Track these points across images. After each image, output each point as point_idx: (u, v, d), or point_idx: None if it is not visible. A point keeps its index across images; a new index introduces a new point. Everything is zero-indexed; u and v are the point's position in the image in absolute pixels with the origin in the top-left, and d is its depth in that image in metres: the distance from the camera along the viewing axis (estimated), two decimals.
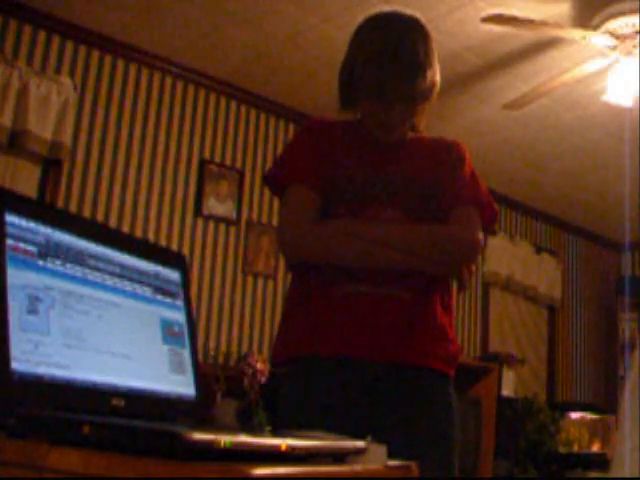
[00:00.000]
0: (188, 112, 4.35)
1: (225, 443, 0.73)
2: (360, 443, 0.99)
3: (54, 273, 0.96)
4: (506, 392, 5.13)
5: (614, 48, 3.49)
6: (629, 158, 4.80)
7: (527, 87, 4.06)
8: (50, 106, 3.70)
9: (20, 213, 0.94)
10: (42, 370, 0.89)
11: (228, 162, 4.49)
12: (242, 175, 4.53)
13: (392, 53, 1.54)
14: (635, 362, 1.00)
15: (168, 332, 1.14)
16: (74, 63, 3.94)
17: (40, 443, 0.77)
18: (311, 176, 1.61)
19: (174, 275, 1.20)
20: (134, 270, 1.11)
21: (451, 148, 1.69)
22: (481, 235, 1.62)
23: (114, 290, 1.06)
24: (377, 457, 1.00)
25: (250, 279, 4.46)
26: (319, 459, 0.92)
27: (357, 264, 1.56)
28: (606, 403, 6.24)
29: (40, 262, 0.95)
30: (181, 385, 1.13)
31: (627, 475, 0.93)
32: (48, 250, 0.97)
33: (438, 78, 1.63)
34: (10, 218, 0.93)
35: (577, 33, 3.47)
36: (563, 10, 3.52)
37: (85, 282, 1.01)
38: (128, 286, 1.08)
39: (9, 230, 0.92)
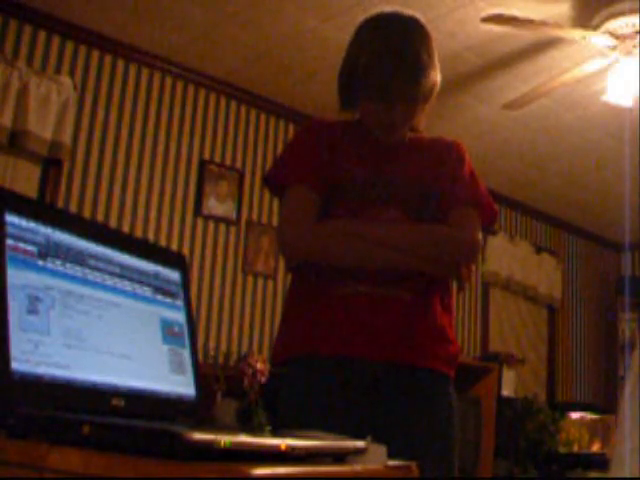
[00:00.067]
0: (188, 112, 4.35)
1: (225, 443, 0.74)
2: (360, 443, 0.99)
3: (54, 273, 0.96)
4: (506, 392, 5.13)
5: (614, 48, 3.49)
6: (629, 158, 4.80)
7: (527, 87, 4.06)
8: (50, 106, 3.70)
9: (20, 213, 0.94)
10: (42, 370, 0.89)
11: (228, 162, 4.49)
12: (242, 175, 4.53)
13: (396, 53, 1.54)
14: (635, 362, 1.00)
15: (168, 332, 1.14)
16: (74, 63, 3.94)
17: (40, 443, 0.77)
18: (311, 177, 1.61)
19: (174, 275, 1.20)
20: (134, 270, 1.11)
21: (451, 148, 1.69)
22: (480, 235, 1.62)
23: (114, 290, 1.06)
24: (377, 457, 1.00)
25: (250, 279, 4.46)
26: (319, 459, 0.92)
27: (357, 264, 1.56)
28: (606, 403, 6.24)
29: (40, 262, 0.95)
30: (181, 385, 1.13)
31: (627, 475, 0.93)
32: (48, 250, 0.97)
33: (439, 78, 1.63)
34: (10, 218, 0.93)
35: (577, 33, 3.47)
36: (563, 10, 3.52)
37: (85, 282, 1.01)
38: (128, 286, 1.08)
39: (9, 230, 0.92)
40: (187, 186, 4.29)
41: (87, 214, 3.87)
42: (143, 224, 4.08)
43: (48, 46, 3.85)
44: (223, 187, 4.42)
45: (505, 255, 5.83)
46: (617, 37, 3.45)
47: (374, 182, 1.61)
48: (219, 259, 4.34)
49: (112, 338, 1.02)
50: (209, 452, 0.72)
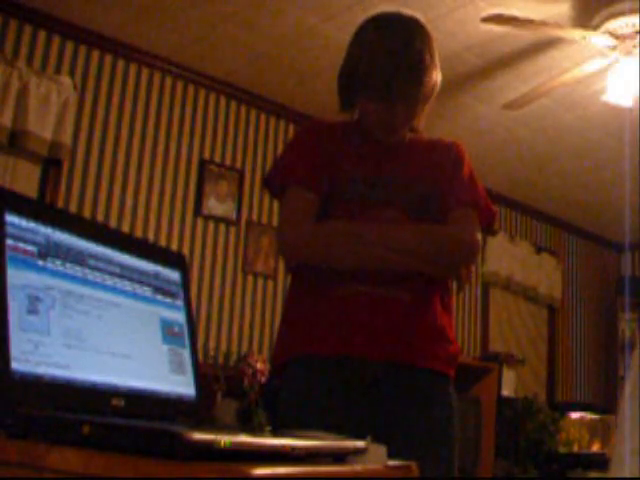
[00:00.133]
0: (188, 112, 4.35)
1: (225, 443, 0.74)
2: (360, 443, 0.99)
3: (54, 273, 0.96)
4: (506, 392, 5.13)
5: (614, 48, 3.49)
6: (629, 158, 4.80)
7: (527, 87, 4.06)
8: (50, 106, 3.70)
9: (20, 213, 0.94)
10: (42, 370, 0.89)
11: (228, 162, 4.49)
12: (242, 175, 4.53)
13: (397, 53, 1.54)
14: (635, 362, 1.00)
15: (168, 332, 1.14)
16: (74, 63, 3.94)
17: (40, 443, 0.77)
18: (310, 178, 1.61)
19: (174, 275, 1.20)
20: (134, 270, 1.11)
21: (450, 149, 1.69)
22: (480, 236, 1.62)
23: (114, 290, 1.06)
24: (377, 457, 1.00)
25: (250, 279, 4.46)
26: (319, 459, 0.92)
27: (356, 265, 1.56)
28: (606, 403, 6.24)
29: (40, 262, 0.95)
30: (181, 385, 1.13)
31: (627, 475, 0.93)
32: (48, 250, 0.97)
33: (439, 79, 1.63)
34: (10, 218, 0.93)
35: (577, 33, 3.47)
36: (563, 10, 3.52)
37: (85, 282, 1.01)
38: (128, 286, 1.08)
39: (9, 230, 0.92)
40: (187, 186, 4.29)
41: (87, 214, 3.87)
42: (143, 224, 4.08)
43: (48, 46, 3.85)
44: (223, 187, 4.42)
45: (505, 255, 5.83)
46: (617, 37, 3.45)
47: (374, 182, 1.61)
48: (219, 259, 4.34)
49: (112, 338, 1.02)
50: (209, 452, 0.72)
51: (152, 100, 4.22)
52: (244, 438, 0.80)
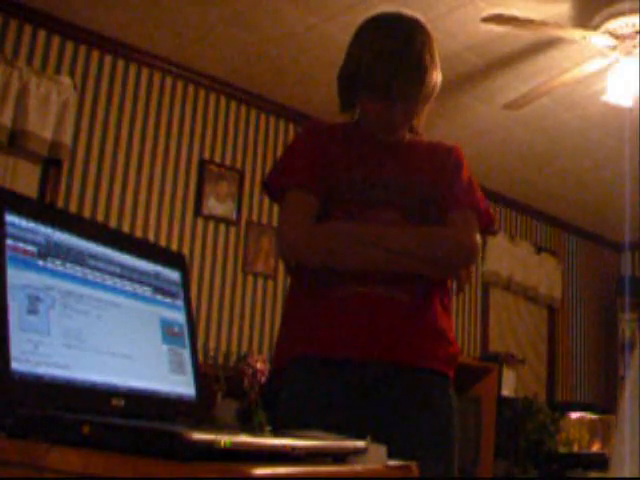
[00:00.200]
0: (188, 112, 4.36)
1: (225, 443, 0.74)
2: (360, 443, 0.99)
3: (54, 273, 0.96)
4: (506, 392, 5.13)
5: (614, 48, 3.49)
6: (629, 158, 4.80)
7: (527, 87, 4.06)
8: (50, 106, 3.70)
9: (20, 213, 0.94)
10: (42, 370, 0.89)
11: (228, 162, 4.49)
12: (242, 175, 4.53)
13: (397, 53, 1.54)
14: (635, 362, 1.00)
15: (168, 332, 1.14)
16: (74, 63, 3.94)
17: (40, 443, 0.77)
18: (309, 180, 1.61)
19: (174, 275, 1.20)
20: (134, 270, 1.11)
21: (450, 153, 1.70)
22: (479, 238, 1.62)
23: (114, 290, 1.06)
24: (377, 457, 1.00)
25: (250, 279, 4.46)
26: (319, 459, 0.92)
27: (356, 266, 1.56)
28: (606, 403, 6.23)
29: (40, 262, 0.95)
30: (181, 385, 1.13)
31: (627, 475, 0.93)
32: (48, 250, 0.97)
33: (440, 79, 1.63)
34: (10, 218, 0.93)
35: (577, 33, 3.47)
36: (563, 10, 3.52)
37: (85, 282, 1.01)
38: (128, 286, 1.08)
39: (9, 230, 0.92)
40: (187, 186, 4.29)
41: (87, 214, 3.87)
42: (143, 224, 4.08)
43: (48, 46, 3.85)
44: (223, 187, 4.42)
45: (505, 255, 5.83)
46: (617, 37, 3.45)
47: (373, 183, 1.61)
48: (219, 259, 4.34)
49: (112, 338, 1.02)
50: (209, 452, 0.72)
51: (152, 100, 4.22)
52: (244, 438, 0.80)
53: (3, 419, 0.82)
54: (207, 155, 4.40)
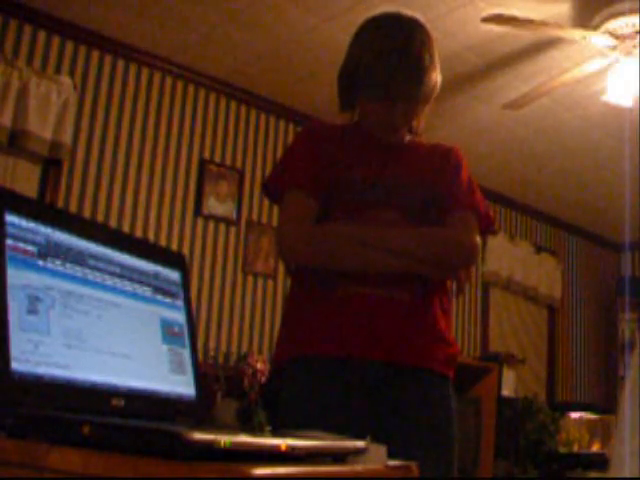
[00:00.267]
0: (188, 112, 4.36)
1: (225, 443, 0.73)
2: (360, 443, 0.99)
3: (54, 273, 0.96)
4: (506, 392, 5.13)
5: (614, 48, 3.49)
6: (629, 158, 4.80)
7: (527, 87, 4.06)
8: (50, 106, 3.70)
9: (20, 213, 0.94)
10: (42, 370, 0.89)
11: (228, 162, 4.49)
12: (242, 175, 4.53)
13: (397, 53, 1.54)
14: (635, 362, 1.00)
15: (168, 332, 1.14)
16: (74, 63, 3.94)
17: (40, 443, 0.77)
18: (309, 181, 1.61)
19: (174, 275, 1.20)
20: (134, 270, 1.11)
21: (450, 154, 1.70)
22: (479, 238, 1.62)
23: (114, 290, 1.06)
24: (377, 457, 1.00)
25: (250, 279, 4.46)
26: (319, 459, 0.92)
27: (356, 267, 1.56)
28: (606, 403, 6.24)
29: (40, 262, 0.95)
30: (181, 385, 1.13)
31: (627, 475, 0.93)
32: (48, 250, 0.97)
33: (439, 79, 1.63)
34: (10, 218, 0.93)
35: (577, 33, 3.47)
36: (563, 10, 3.52)
37: (85, 282, 1.01)
38: (128, 286, 1.08)
39: (9, 230, 0.92)
40: (187, 186, 4.29)
41: (87, 214, 3.87)
42: (143, 224, 4.08)
43: (48, 46, 3.85)
44: (223, 187, 4.42)
45: (505, 255, 5.83)
46: (617, 37, 3.45)
47: (373, 184, 1.61)
48: (219, 259, 4.34)
49: (112, 338, 1.02)
50: (209, 452, 0.72)
51: (152, 100, 4.22)
52: (244, 438, 0.80)
53: (3, 419, 0.82)
54: (207, 155, 4.40)
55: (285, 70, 4.27)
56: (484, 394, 4.50)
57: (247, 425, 1.04)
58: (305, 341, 1.59)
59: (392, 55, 1.54)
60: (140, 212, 4.08)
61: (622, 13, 3.38)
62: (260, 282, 4.50)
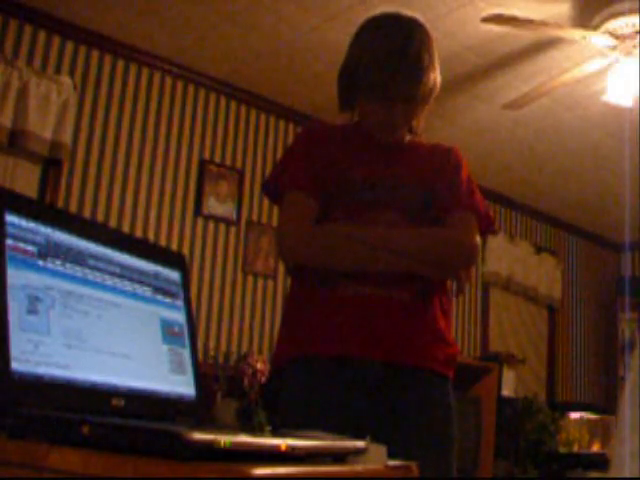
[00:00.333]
0: (188, 112, 4.36)
1: (225, 443, 0.74)
2: (360, 443, 0.99)
3: (54, 273, 0.96)
4: (506, 392, 5.13)
5: (614, 48, 3.49)
6: (629, 158, 4.80)
7: (527, 87, 4.06)
8: (50, 106, 3.70)
9: (20, 213, 0.94)
10: (42, 370, 0.89)
11: (228, 162, 4.49)
12: (242, 175, 4.53)
13: (396, 53, 1.54)
14: (635, 362, 1.00)
15: (168, 332, 1.14)
16: (74, 63, 3.94)
17: (40, 443, 0.77)
18: (309, 181, 1.61)
19: (174, 275, 1.20)
20: (134, 270, 1.11)
21: (449, 154, 1.70)
22: (478, 239, 1.62)
23: (114, 290, 1.06)
24: (377, 457, 1.00)
25: (250, 279, 4.46)
26: (319, 459, 0.92)
27: (356, 268, 1.56)
28: (606, 403, 6.23)
29: (40, 262, 0.95)
30: (181, 385, 1.13)
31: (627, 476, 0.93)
32: (48, 250, 0.97)
33: (439, 80, 1.63)
34: (10, 218, 0.93)
35: (577, 33, 3.47)
36: (563, 10, 3.52)
37: (85, 282, 1.01)
38: (128, 286, 1.08)
39: (9, 230, 0.92)
40: (187, 186, 4.29)
41: (87, 214, 3.87)
42: (143, 224, 4.08)
43: (48, 46, 3.85)
44: (223, 187, 4.42)
45: (505, 255, 5.83)
46: (617, 37, 3.45)
47: (373, 184, 1.61)
48: (219, 259, 4.34)
49: (112, 338, 1.02)
50: (209, 452, 0.72)
51: (152, 100, 4.22)
52: (244, 438, 0.80)
53: (3, 419, 0.82)
54: (207, 155, 4.40)
55: (285, 70, 4.27)
56: (484, 394, 4.50)
57: (247, 425, 1.03)
58: (305, 341, 1.59)
59: (391, 55, 1.54)
60: (140, 212, 4.08)
61: (622, 13, 3.38)
62: (260, 282, 4.50)
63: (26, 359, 0.88)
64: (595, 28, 3.48)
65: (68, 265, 0.99)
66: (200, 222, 4.31)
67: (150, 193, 4.13)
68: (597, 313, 6.69)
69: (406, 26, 1.60)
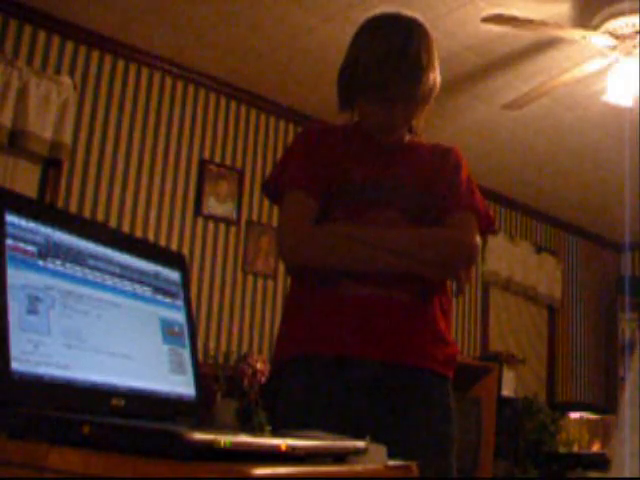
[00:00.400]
0: (188, 112, 4.36)
1: (225, 443, 0.74)
2: (360, 443, 0.99)
3: (54, 273, 0.96)
4: (506, 392, 5.13)
5: (614, 48, 3.49)
6: (629, 158, 4.80)
7: (527, 87, 4.06)
8: (50, 106, 3.70)
9: (20, 213, 0.94)
10: (42, 370, 0.89)
11: (228, 162, 4.49)
12: (242, 175, 4.53)
13: (396, 53, 1.54)
14: (635, 362, 1.00)
15: (168, 332, 1.14)
16: (74, 63, 3.94)
17: (40, 443, 0.77)
18: (309, 181, 1.61)
19: (174, 275, 1.20)
20: (134, 270, 1.11)
21: (449, 154, 1.70)
22: (478, 239, 1.62)
23: (114, 290, 1.06)
24: (377, 457, 1.00)
25: (250, 279, 4.46)
26: (319, 459, 0.92)
27: (356, 267, 1.56)
28: (606, 403, 6.24)
29: (40, 262, 0.95)
30: (181, 385, 1.13)
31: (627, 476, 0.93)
32: (48, 250, 0.97)
33: (438, 80, 1.63)
34: (10, 218, 0.93)
35: (577, 33, 3.47)
36: (563, 10, 3.52)
37: (85, 282, 1.01)
38: (128, 286, 1.08)
39: (9, 230, 0.92)
40: (187, 186, 4.29)
41: (87, 214, 3.87)
42: (143, 224, 4.08)
43: (48, 46, 3.85)
44: (223, 187, 4.42)
45: (505, 255, 5.83)
46: (617, 37, 3.45)
47: (373, 184, 1.61)
48: (219, 259, 4.34)
49: (112, 338, 1.02)
50: (209, 452, 0.72)
51: (152, 100, 4.22)
52: (244, 438, 0.80)
53: (3, 419, 0.82)
54: (207, 155, 4.40)
55: (285, 70, 4.27)
56: (484, 394, 4.51)
57: (247, 425, 1.04)
58: (304, 340, 1.60)
59: (390, 56, 1.54)
60: (140, 212, 4.08)
61: (622, 13, 3.38)
62: (260, 282, 4.50)
63: (26, 359, 0.88)
64: (595, 28, 3.48)
65: (68, 265, 0.99)
66: (200, 222, 4.31)
67: (150, 193, 4.13)
68: (597, 313, 6.69)
69: (406, 26, 1.60)
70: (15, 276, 0.90)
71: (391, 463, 1.03)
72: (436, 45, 1.62)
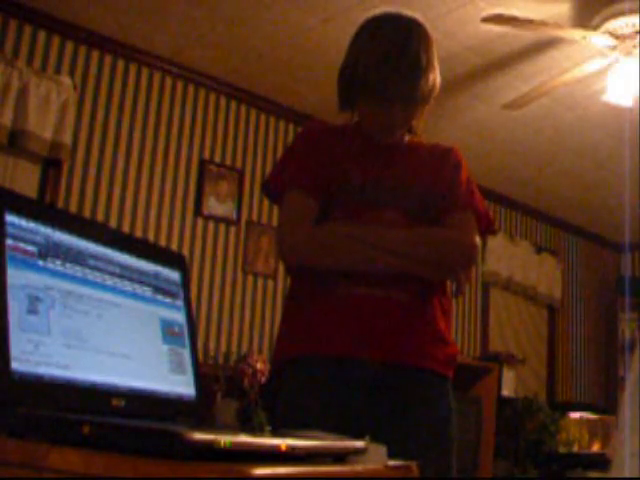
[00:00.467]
0: (188, 112, 4.35)
1: (225, 443, 0.74)
2: (360, 443, 0.99)
3: (54, 273, 0.96)
4: (506, 392, 5.13)
5: (614, 48, 3.49)
6: (629, 158, 4.80)
7: (527, 87, 4.06)
8: (50, 106, 3.70)
9: (20, 213, 0.94)
10: (42, 370, 0.89)
11: (228, 162, 4.49)
12: (242, 175, 4.53)
13: (395, 53, 1.54)
14: (635, 363, 0.99)
15: (168, 332, 1.14)
16: (74, 63, 3.94)
17: (40, 443, 0.77)
18: (309, 181, 1.61)
19: (174, 275, 1.20)
20: (134, 270, 1.11)
21: (449, 154, 1.70)
22: (478, 239, 1.62)
23: (114, 290, 1.06)
24: (377, 457, 1.00)
25: (250, 279, 4.46)
26: (319, 459, 0.92)
27: (355, 268, 1.56)
28: (606, 403, 6.24)
29: (40, 262, 0.95)
30: (181, 385, 1.13)
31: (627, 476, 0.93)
32: (48, 250, 0.97)
33: (438, 80, 1.63)
34: (10, 218, 0.93)
35: (577, 33, 3.47)
36: (563, 10, 3.52)
37: (85, 282, 1.01)
38: (128, 286, 1.08)
39: (9, 230, 0.92)
40: (187, 186, 4.29)
41: (87, 214, 3.87)
42: (143, 224, 4.08)
43: (48, 46, 3.85)
44: (223, 187, 4.42)
45: (505, 255, 5.83)
46: (617, 37, 3.45)
47: (373, 184, 1.61)
48: (219, 259, 4.34)
49: (112, 338, 1.02)
50: (209, 452, 0.72)
51: (152, 100, 4.22)
52: (244, 438, 0.80)
53: (3, 419, 0.82)
54: (207, 155, 4.40)
55: (285, 70, 4.27)
56: (484, 394, 4.51)
57: (247, 425, 1.04)
58: (304, 340, 1.60)
59: (390, 56, 1.54)
60: (140, 212, 4.08)
61: (622, 13, 3.38)
62: (260, 282, 4.50)
63: (26, 359, 0.88)
64: (595, 28, 3.48)
65: (68, 265, 0.99)
66: (200, 222, 4.31)
67: (150, 193, 4.13)
68: (597, 313, 6.69)
69: (405, 27, 1.60)
70: (15, 276, 0.90)
71: (391, 463, 1.03)
72: (436, 45, 1.62)
